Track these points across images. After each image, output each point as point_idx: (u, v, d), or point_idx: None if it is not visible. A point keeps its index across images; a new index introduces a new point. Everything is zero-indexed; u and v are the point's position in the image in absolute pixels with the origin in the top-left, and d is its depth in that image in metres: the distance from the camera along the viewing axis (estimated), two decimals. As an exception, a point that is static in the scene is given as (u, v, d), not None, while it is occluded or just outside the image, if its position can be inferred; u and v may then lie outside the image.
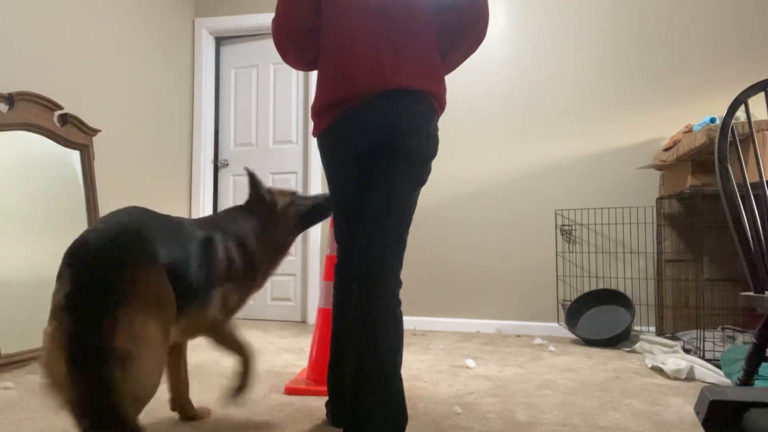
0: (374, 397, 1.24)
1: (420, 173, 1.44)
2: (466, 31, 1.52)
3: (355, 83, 1.40)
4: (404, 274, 1.41)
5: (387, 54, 1.40)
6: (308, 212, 1.76)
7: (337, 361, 1.56)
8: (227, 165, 4.25)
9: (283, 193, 1.75)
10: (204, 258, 1.37)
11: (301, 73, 4.06)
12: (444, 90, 1.51)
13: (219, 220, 1.56)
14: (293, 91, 4.09)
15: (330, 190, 1.57)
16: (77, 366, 0.99)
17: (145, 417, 1.62)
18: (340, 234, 1.57)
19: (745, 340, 2.44)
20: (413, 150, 1.40)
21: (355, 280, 1.36)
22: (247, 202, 1.70)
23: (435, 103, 1.47)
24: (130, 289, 1.06)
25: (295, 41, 1.54)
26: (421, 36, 1.45)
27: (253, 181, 1.71)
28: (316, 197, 1.80)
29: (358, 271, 1.36)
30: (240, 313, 1.60)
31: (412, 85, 1.40)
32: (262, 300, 3.98)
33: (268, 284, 3.32)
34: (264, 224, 1.65)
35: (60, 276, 1.08)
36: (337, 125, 1.45)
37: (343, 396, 1.53)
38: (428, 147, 1.44)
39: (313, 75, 3.94)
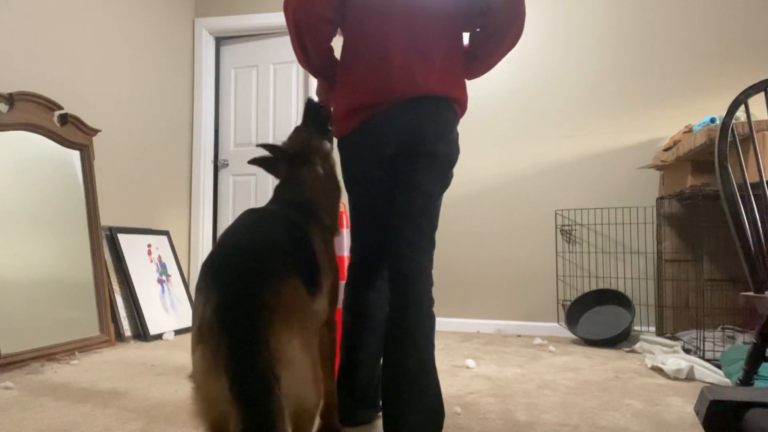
0: (414, 390, 1.28)
1: (446, 178, 1.48)
2: (504, 33, 1.49)
3: (386, 89, 1.40)
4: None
5: (417, 60, 1.41)
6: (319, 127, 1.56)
7: (350, 362, 1.55)
8: (227, 165, 4.25)
9: (296, 137, 1.53)
10: (309, 248, 1.26)
11: (301, 73, 4.06)
12: (466, 95, 1.52)
13: (291, 197, 1.41)
14: (293, 91, 4.09)
15: (350, 193, 1.55)
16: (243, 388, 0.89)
17: (144, 417, 1.62)
18: (362, 236, 1.57)
19: (745, 340, 2.44)
20: (441, 155, 1.43)
21: (390, 280, 1.41)
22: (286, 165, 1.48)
23: (458, 109, 1.49)
24: (281, 303, 1.00)
25: (313, 31, 1.45)
26: (447, 41, 1.46)
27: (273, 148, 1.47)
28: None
29: (393, 272, 1.41)
30: None
31: (441, 91, 1.42)
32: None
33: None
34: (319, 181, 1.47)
35: (204, 290, 1.01)
36: (364, 128, 1.44)
37: (352, 397, 1.52)
38: (453, 153, 1.48)
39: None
